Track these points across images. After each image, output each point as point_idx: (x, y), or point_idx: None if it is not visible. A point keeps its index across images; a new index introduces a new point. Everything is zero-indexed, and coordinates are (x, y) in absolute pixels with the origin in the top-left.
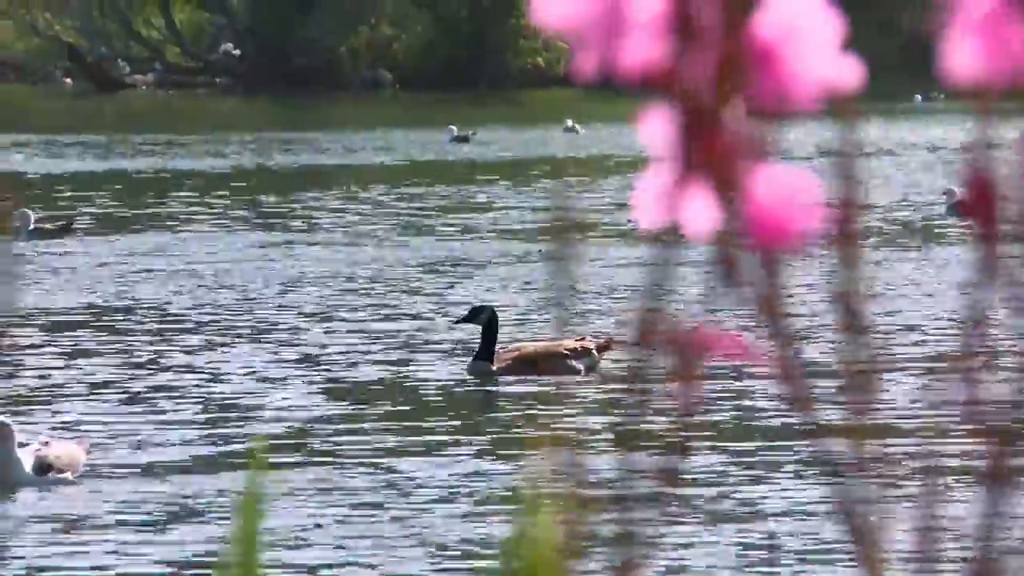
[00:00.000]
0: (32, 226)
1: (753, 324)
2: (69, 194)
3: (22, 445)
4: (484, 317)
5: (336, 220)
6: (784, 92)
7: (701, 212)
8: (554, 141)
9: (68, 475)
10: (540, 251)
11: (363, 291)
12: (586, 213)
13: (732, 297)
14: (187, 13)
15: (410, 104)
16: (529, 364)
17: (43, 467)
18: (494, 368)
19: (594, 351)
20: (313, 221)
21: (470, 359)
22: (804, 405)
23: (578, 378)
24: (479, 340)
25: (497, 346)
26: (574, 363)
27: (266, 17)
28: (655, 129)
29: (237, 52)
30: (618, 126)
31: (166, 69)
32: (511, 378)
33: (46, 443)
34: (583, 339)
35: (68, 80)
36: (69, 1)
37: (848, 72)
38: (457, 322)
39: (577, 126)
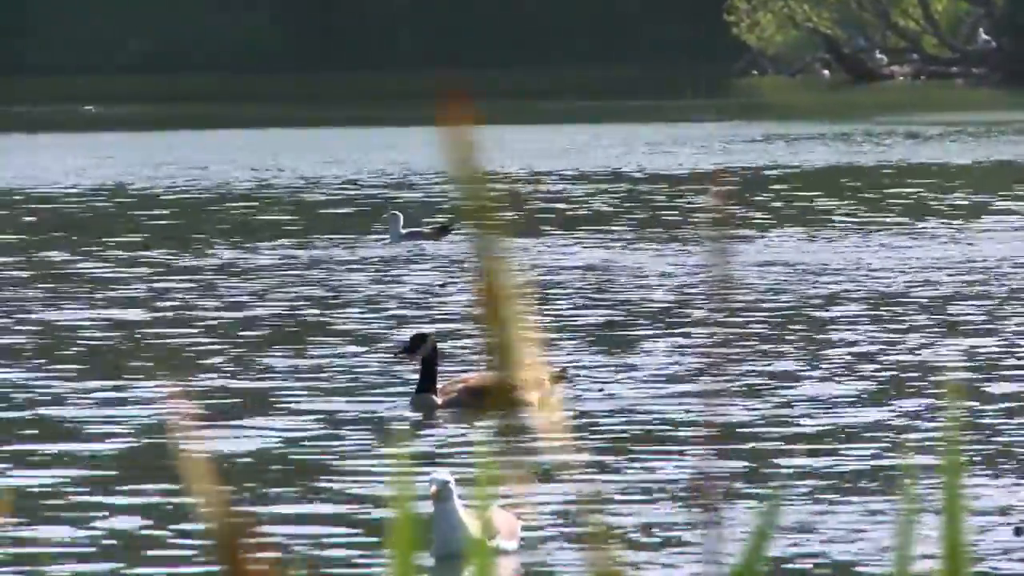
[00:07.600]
0: (404, 229)
1: None
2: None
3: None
4: (426, 348)
5: None
6: None
7: None
8: None
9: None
10: None
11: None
12: None
13: None
14: (944, 3)
15: None
16: (478, 396)
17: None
18: (439, 401)
19: (548, 383)
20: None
21: (413, 392)
22: None
23: (531, 411)
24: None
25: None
26: (526, 395)
27: None
28: None
29: (993, 43)
30: None
31: (923, 59)
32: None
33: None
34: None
35: (825, 72)
36: None
37: None
38: (399, 352)
39: None
